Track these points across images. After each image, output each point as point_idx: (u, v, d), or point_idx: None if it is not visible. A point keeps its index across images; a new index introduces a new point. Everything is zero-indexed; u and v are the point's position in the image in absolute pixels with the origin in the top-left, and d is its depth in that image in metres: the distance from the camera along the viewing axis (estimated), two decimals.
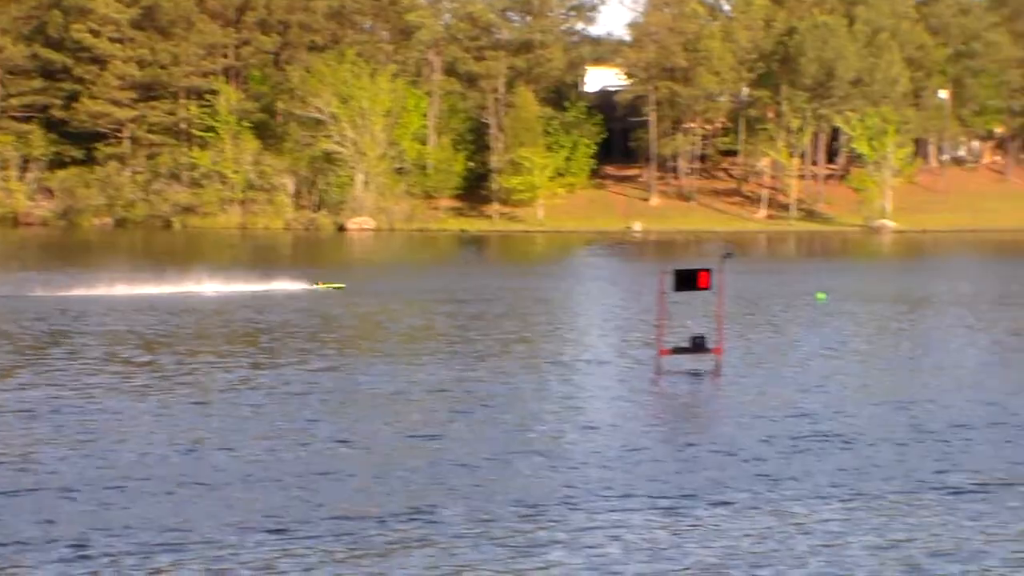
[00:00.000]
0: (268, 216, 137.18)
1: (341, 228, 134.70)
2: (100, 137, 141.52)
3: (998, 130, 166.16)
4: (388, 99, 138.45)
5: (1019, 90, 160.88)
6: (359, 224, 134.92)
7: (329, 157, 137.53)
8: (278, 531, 20.91)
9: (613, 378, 37.66)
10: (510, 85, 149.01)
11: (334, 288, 63.19)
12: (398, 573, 19.09)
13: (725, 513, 22.50)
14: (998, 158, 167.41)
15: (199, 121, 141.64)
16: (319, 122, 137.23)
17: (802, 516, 22.36)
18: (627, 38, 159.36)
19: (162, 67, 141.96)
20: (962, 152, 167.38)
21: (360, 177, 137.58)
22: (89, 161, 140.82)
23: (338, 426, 29.54)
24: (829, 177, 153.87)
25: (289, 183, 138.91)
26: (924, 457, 27.07)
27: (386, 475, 24.71)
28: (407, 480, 24.38)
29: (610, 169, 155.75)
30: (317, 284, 63.91)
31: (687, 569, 19.43)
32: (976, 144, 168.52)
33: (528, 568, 19.37)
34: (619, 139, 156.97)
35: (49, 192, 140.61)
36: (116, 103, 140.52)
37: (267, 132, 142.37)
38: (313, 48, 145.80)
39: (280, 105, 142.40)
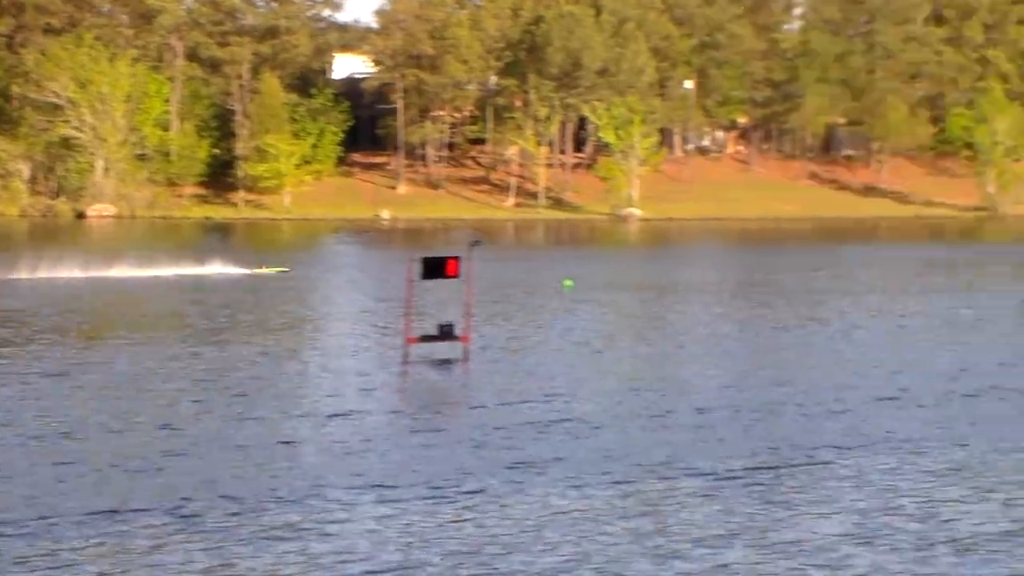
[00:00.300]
0: (2, 203, 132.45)
1: (80, 215, 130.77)
2: None
3: (741, 120, 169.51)
4: (128, 84, 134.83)
5: (761, 81, 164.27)
6: (99, 211, 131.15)
7: (67, 143, 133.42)
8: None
9: (361, 367, 36.78)
10: (255, 71, 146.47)
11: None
12: (145, 569, 18.02)
13: (477, 501, 21.81)
14: (742, 148, 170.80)
15: None
16: (56, 107, 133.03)
17: (555, 502, 21.74)
18: (374, 25, 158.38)
19: None
20: (707, 142, 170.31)
21: (100, 163, 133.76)
22: None
23: (68, 416, 27.87)
24: (577, 166, 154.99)
25: (24, 169, 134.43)
26: (671, 442, 26.69)
27: (127, 466, 23.47)
28: (152, 474, 23.19)
29: (358, 157, 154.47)
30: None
31: (440, 558, 18.66)
32: (720, 134, 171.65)
33: (279, 563, 18.48)
34: (367, 127, 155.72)
35: None
36: None
37: (1, 117, 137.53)
38: (49, 31, 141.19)
39: (15, 89, 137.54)
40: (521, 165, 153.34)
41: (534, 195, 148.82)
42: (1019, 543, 19.82)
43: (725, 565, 18.60)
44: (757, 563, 18.70)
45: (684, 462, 24.86)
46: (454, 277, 36.92)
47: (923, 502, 22.18)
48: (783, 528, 20.55)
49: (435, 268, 36.68)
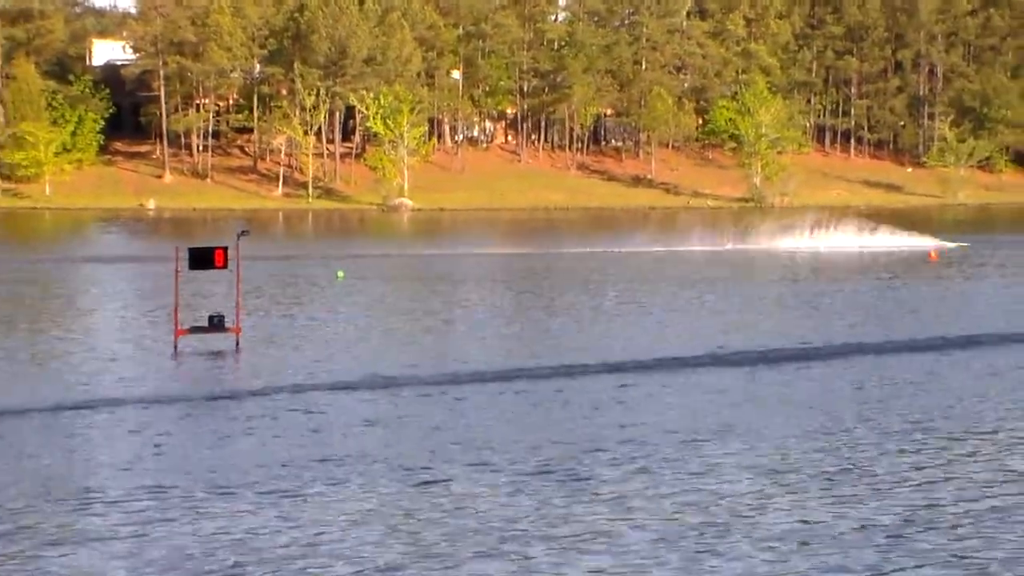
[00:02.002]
0: None
1: None
2: None
3: (510, 111, 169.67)
4: None
5: (528, 72, 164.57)
6: None
7: None
8: None
9: (129, 359, 35.29)
10: (9, 57, 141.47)
11: None
12: None
13: (257, 499, 20.63)
14: (511, 138, 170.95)
15: None
16: None
17: (326, 500, 20.69)
18: (133, 11, 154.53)
19: None
20: (476, 132, 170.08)
21: None
22: None
23: None
24: (346, 155, 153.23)
25: None
26: (444, 429, 25.69)
27: None
28: None
29: (120, 145, 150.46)
30: None
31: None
32: (489, 124, 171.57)
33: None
34: (129, 114, 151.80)
35: None
36: None
37: None
38: None
39: None
40: (289, 154, 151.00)
41: (303, 185, 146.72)
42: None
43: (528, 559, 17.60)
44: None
45: (454, 452, 24.09)
46: (222, 268, 36.14)
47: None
48: (574, 521, 19.63)
49: (202, 259, 35.89)
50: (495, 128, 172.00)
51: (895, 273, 66.33)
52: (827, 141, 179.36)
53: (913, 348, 38.71)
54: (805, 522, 20.03)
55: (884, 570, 17.79)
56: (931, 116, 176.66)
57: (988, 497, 21.51)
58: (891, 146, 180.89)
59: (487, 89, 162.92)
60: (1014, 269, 70.15)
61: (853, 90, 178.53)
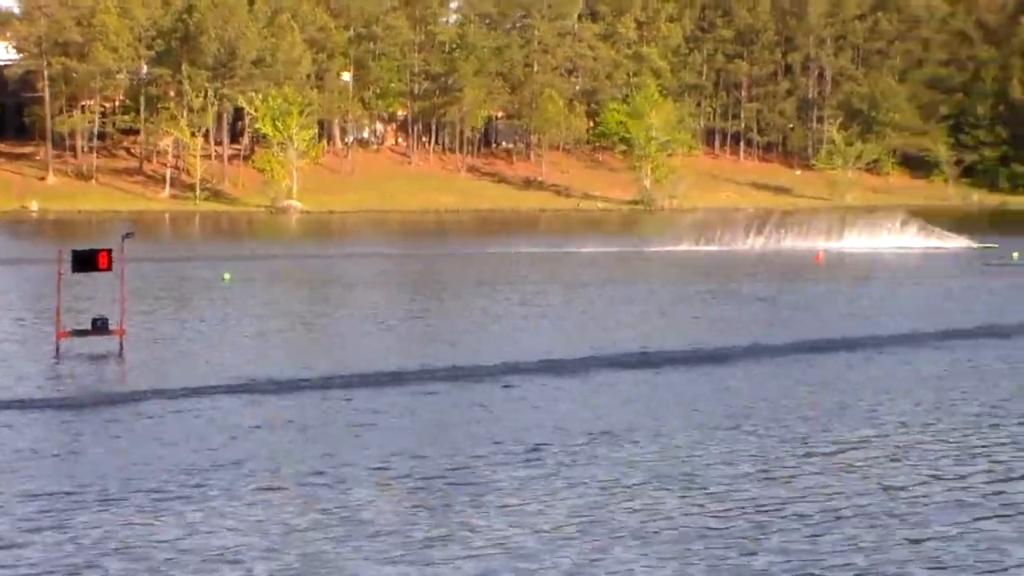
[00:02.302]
0: None
1: None
2: None
3: (400, 113, 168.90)
4: None
5: (419, 74, 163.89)
6: None
7: None
8: None
9: (7, 362, 34.13)
10: None
11: None
12: None
13: (141, 503, 19.89)
14: (401, 140, 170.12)
15: None
16: None
17: (204, 503, 19.84)
18: (16, 10, 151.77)
19: None
20: (366, 134, 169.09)
21: None
22: None
23: None
24: (234, 157, 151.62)
25: None
26: (327, 439, 25.05)
27: None
28: None
29: (2, 147, 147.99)
30: None
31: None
32: (380, 127, 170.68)
33: None
34: (12, 115, 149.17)
35: None
36: None
37: None
38: None
39: None
40: (176, 156, 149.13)
41: (190, 187, 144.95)
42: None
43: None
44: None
45: (345, 456, 23.53)
46: (107, 270, 35.38)
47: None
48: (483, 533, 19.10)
49: (86, 261, 35.08)
50: (386, 130, 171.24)
51: (785, 275, 66.48)
52: (717, 144, 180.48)
53: (809, 349, 38.62)
54: (701, 525, 19.64)
55: (773, 572, 17.45)
56: (820, 119, 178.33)
57: (881, 498, 21.22)
58: (780, 149, 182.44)
59: (378, 91, 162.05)
60: (902, 272, 70.59)
61: (743, 93, 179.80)
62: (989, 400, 30.39)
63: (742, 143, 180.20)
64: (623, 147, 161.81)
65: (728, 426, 27.05)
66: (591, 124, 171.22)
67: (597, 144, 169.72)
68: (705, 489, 21.70)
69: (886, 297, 55.37)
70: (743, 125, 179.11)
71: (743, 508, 20.48)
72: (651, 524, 19.59)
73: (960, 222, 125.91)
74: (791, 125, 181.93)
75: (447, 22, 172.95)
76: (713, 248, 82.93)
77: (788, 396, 30.88)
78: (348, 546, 18.25)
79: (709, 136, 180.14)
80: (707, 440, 25.63)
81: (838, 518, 19.98)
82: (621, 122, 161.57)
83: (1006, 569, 17.76)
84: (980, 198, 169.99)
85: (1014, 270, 69.58)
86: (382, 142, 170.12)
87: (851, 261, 75.30)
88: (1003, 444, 25.66)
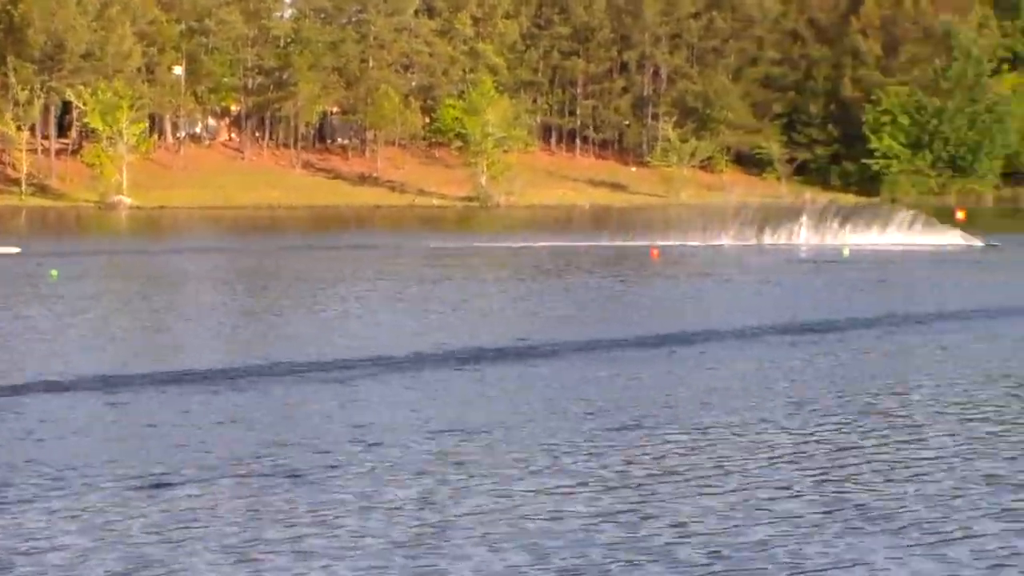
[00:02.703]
0: None
1: None
2: None
3: (234, 107, 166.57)
4: None
5: (253, 69, 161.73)
6: None
7: None
8: None
9: None
10: None
11: None
12: None
13: None
14: (234, 135, 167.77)
15: None
16: None
17: (32, 505, 18.70)
18: None
19: None
20: (199, 129, 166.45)
21: None
22: None
23: None
24: (62, 152, 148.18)
25: None
26: (155, 442, 23.93)
27: None
28: None
29: None
30: None
31: None
32: (212, 121, 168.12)
33: None
34: None
35: None
36: None
37: None
38: None
39: None
40: (1, 150, 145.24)
41: (15, 182, 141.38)
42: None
43: None
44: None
45: (177, 456, 22.45)
46: None
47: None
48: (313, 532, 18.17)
49: None
50: (219, 125, 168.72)
51: (621, 272, 66.41)
52: (553, 140, 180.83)
53: (641, 344, 38.29)
54: (539, 520, 19.10)
55: (610, 569, 16.99)
56: (655, 116, 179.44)
57: (704, 494, 20.75)
58: (616, 146, 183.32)
59: (210, 86, 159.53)
60: (735, 268, 70.88)
61: (579, 90, 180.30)
62: (808, 395, 30.22)
63: (578, 140, 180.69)
64: (459, 143, 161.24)
65: (563, 423, 26.51)
66: (427, 120, 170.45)
67: (433, 140, 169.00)
68: (544, 485, 21.14)
69: (718, 293, 55.39)
70: (579, 122, 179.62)
71: (580, 504, 20.05)
72: (493, 522, 19.06)
73: (793, 220, 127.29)
74: (627, 122, 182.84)
75: (281, 17, 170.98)
76: (548, 244, 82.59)
77: (622, 391, 30.48)
78: (181, 547, 17.37)
79: (545, 133, 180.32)
80: (542, 435, 25.04)
81: (664, 516, 19.47)
82: (457, 118, 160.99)
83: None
84: (812, 195, 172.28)
85: (841, 266, 70.24)
86: (215, 137, 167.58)
87: (688, 257, 75.40)
88: (820, 445, 25.36)
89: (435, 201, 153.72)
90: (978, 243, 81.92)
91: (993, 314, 47.17)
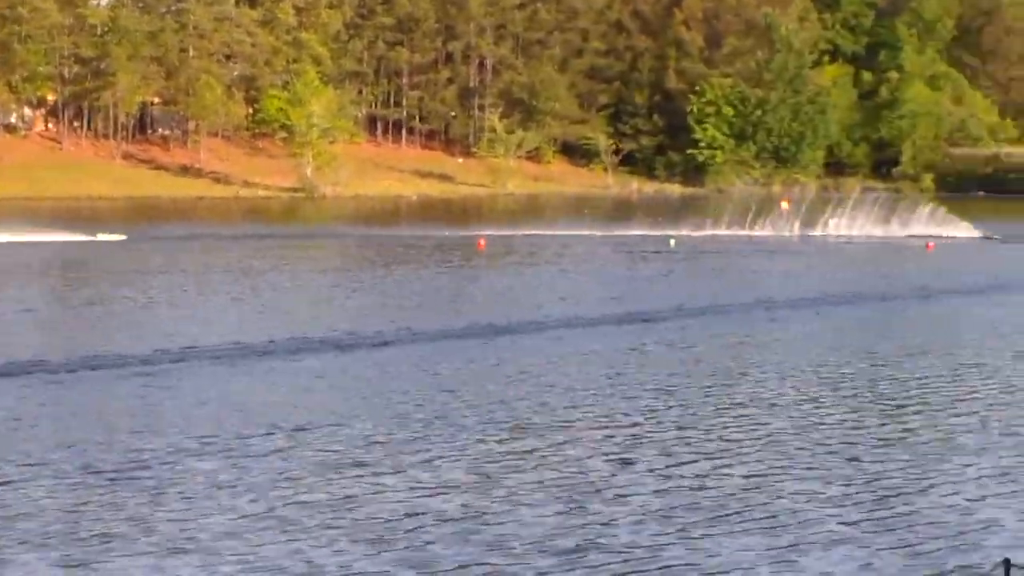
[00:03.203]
0: None
1: None
2: None
3: (50, 97, 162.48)
4: None
5: (69, 57, 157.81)
6: None
7: None
8: None
9: None
10: None
11: None
12: None
13: None
14: (52, 126, 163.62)
15: None
16: None
17: None
18: None
19: None
20: (14, 119, 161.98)
21: None
22: None
23: None
24: None
25: None
26: None
27: None
28: None
29: None
30: None
31: None
32: (28, 111, 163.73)
33: None
34: None
35: None
36: None
37: None
38: None
39: None
40: None
41: None
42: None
43: None
44: None
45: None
46: None
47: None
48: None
49: None
50: (34, 115, 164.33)
51: (453, 260, 65.79)
52: (379, 131, 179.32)
53: (476, 334, 37.75)
54: (385, 511, 18.81)
55: (440, 564, 16.50)
56: (481, 107, 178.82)
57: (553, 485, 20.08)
58: (442, 136, 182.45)
59: (25, 75, 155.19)
60: (563, 258, 70.63)
61: (404, 81, 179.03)
62: (627, 383, 29.81)
63: (404, 131, 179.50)
64: (284, 134, 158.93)
65: (395, 411, 26.04)
66: (250, 111, 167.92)
67: (257, 131, 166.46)
68: (381, 476, 20.82)
69: (544, 282, 54.95)
70: (405, 113, 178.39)
71: (416, 493, 19.77)
72: (334, 513, 18.87)
73: (621, 210, 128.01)
74: (453, 113, 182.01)
75: (98, 4, 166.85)
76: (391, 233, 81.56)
77: (452, 380, 29.92)
78: (7, 549, 16.60)
79: (371, 123, 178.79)
80: (378, 425, 24.62)
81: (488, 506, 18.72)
82: (281, 109, 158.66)
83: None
84: (639, 186, 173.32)
85: (668, 255, 70.27)
86: (31, 128, 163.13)
87: (514, 247, 74.85)
88: (634, 436, 24.87)
89: (260, 192, 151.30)
90: (979, 235, 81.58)
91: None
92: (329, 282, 54.36)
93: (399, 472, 21.42)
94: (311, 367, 31.83)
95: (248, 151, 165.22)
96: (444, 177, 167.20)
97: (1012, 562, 11.77)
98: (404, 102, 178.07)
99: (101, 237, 75.87)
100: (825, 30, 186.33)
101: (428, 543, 17.57)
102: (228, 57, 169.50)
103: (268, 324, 39.26)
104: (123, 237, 76.42)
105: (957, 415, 26.85)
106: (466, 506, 19.50)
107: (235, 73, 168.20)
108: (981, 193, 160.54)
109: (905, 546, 17.68)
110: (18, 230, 75.19)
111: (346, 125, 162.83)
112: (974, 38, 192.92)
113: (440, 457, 22.49)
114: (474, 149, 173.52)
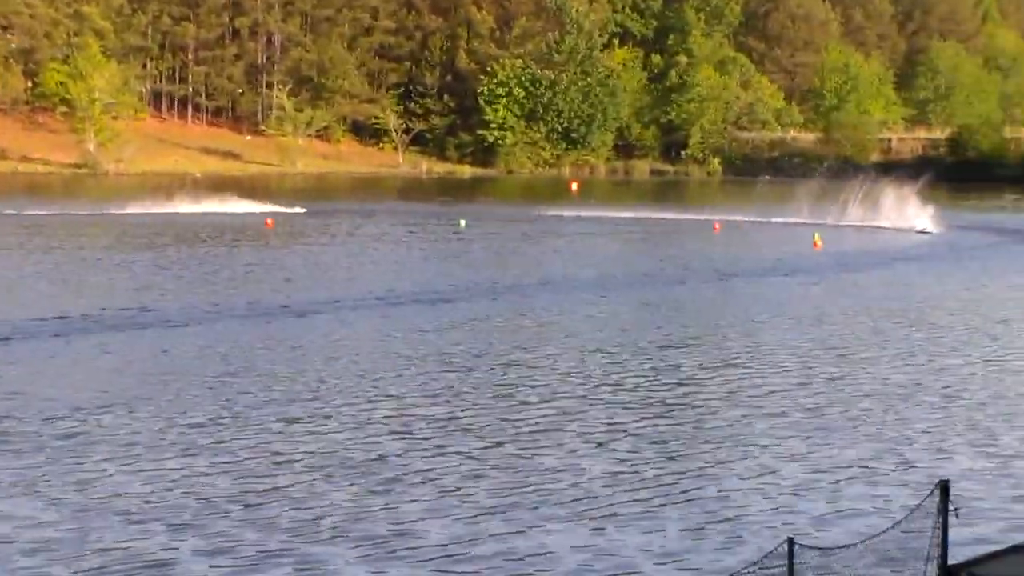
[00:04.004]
0: None
1: None
2: None
3: None
4: None
5: None
6: None
7: None
8: None
9: None
10: None
11: None
12: None
13: None
14: None
15: None
16: None
17: None
18: None
19: None
20: None
21: None
22: None
23: None
24: None
25: None
26: None
27: None
28: None
29: None
30: None
31: None
32: None
33: None
34: None
35: None
36: None
37: None
38: None
39: None
40: None
41: None
42: None
43: None
44: None
45: None
46: None
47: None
48: None
49: None
50: None
51: (236, 239, 64.32)
52: (164, 107, 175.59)
53: (257, 314, 36.63)
54: (180, 497, 18.21)
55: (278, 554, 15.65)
56: (269, 85, 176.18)
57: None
58: (229, 114, 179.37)
59: None
60: (345, 235, 69.72)
61: (190, 56, 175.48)
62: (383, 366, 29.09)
63: (190, 107, 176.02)
64: (64, 109, 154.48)
65: (181, 394, 25.29)
66: (29, 84, 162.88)
67: (36, 105, 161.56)
68: (169, 459, 20.15)
69: (332, 262, 53.96)
70: (191, 89, 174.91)
71: (206, 476, 19.26)
72: (123, 501, 18.25)
73: (411, 190, 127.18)
74: (240, 90, 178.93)
75: None
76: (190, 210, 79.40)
77: (235, 360, 28.95)
78: None
79: (156, 100, 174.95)
80: (164, 408, 23.95)
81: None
82: (62, 83, 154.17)
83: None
84: (429, 166, 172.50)
85: (461, 236, 69.71)
86: None
87: (300, 227, 73.50)
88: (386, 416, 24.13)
89: (40, 168, 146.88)
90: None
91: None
92: (113, 262, 52.52)
93: (190, 455, 20.86)
94: (80, 347, 30.50)
95: (27, 126, 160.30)
96: (231, 155, 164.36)
97: (796, 541, 11.62)
98: (190, 78, 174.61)
99: None
100: (615, 13, 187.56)
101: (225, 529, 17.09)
102: (5, 28, 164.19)
103: (39, 305, 37.70)
104: None
105: (749, 399, 26.59)
106: (262, 491, 18.97)
107: (12, 45, 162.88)
108: (766, 177, 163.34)
109: (696, 527, 17.70)
110: None
111: (130, 100, 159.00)
112: (761, 24, 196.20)
113: (228, 440, 21.72)
114: (262, 127, 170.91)
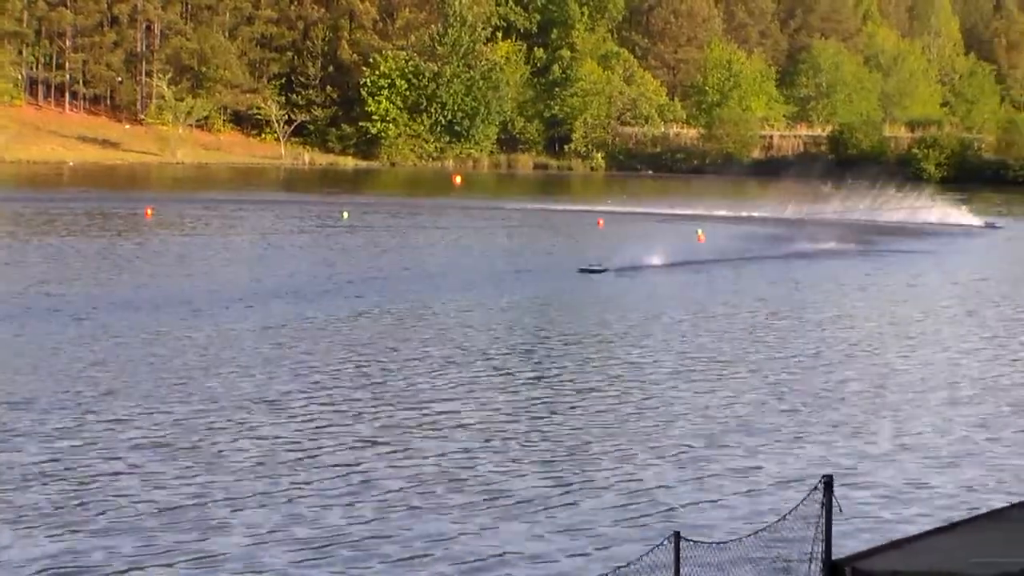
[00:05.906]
0: None
1: None
2: None
3: None
4: None
5: None
6: None
7: None
8: None
9: None
10: None
11: None
12: None
13: None
14: None
15: None
16: None
17: None
18: None
19: None
20: None
21: None
22: None
23: None
24: None
25: None
26: None
27: None
28: None
29: None
30: None
31: None
32: None
33: None
34: None
35: None
36: None
37: None
38: None
39: None
40: None
41: None
42: None
43: None
44: None
45: None
46: None
47: None
48: None
49: None
50: None
51: (117, 230, 63.34)
52: (41, 95, 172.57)
53: (129, 307, 35.90)
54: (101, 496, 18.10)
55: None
56: (149, 73, 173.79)
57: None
58: (108, 102, 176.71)
59: None
60: (228, 227, 68.96)
61: (68, 43, 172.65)
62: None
63: (68, 95, 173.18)
64: None
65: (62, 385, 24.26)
66: None
67: None
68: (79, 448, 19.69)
69: (211, 252, 53.21)
70: (68, 76, 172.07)
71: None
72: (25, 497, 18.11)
73: (294, 181, 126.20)
74: (119, 78, 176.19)
75: None
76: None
77: (105, 355, 28.16)
78: None
79: (32, 86, 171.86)
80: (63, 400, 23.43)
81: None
82: None
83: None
84: (312, 158, 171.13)
85: (344, 229, 69.11)
86: None
87: (180, 216, 72.46)
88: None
89: None
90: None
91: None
92: None
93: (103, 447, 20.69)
94: None
95: None
96: (109, 144, 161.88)
97: (682, 535, 11.43)
98: (67, 65, 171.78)
99: None
100: (498, 6, 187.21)
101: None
102: None
103: None
104: None
105: (637, 392, 26.41)
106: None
107: None
108: (649, 172, 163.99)
109: (583, 523, 17.60)
110: None
111: (5, 87, 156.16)
112: (644, 19, 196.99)
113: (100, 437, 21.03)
114: (142, 116, 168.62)
